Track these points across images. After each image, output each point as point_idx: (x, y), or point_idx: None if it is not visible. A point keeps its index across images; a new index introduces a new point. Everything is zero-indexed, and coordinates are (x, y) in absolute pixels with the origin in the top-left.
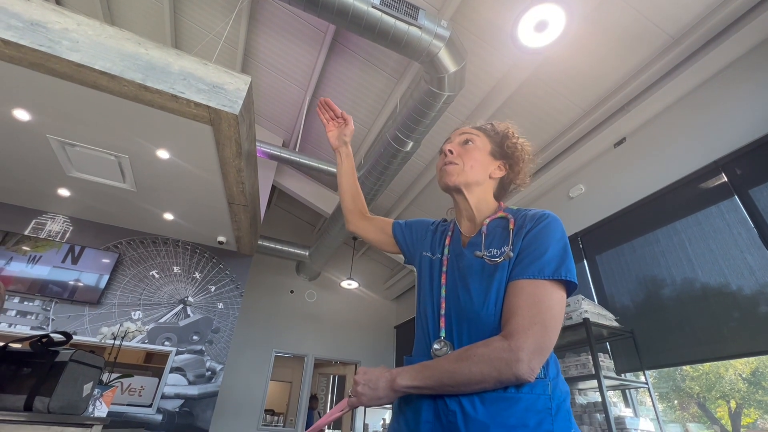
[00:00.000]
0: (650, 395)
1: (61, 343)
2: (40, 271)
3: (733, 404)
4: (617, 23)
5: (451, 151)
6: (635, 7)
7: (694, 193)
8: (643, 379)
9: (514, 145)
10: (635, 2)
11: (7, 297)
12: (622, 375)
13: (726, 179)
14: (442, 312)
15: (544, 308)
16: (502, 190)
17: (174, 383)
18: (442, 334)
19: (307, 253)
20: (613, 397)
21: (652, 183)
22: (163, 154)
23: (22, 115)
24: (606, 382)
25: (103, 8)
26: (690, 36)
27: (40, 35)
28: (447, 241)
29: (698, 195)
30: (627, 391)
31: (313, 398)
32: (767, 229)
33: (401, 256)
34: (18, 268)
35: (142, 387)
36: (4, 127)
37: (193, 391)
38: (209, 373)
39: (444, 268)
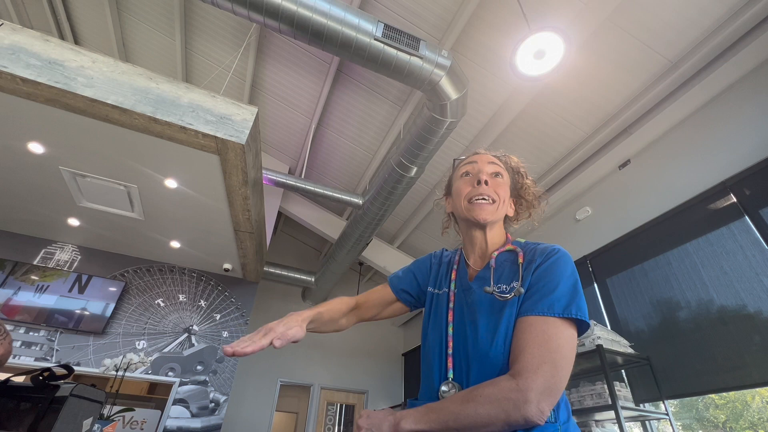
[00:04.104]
0: (672, 426)
1: (62, 377)
2: (46, 301)
3: None
4: (614, 49)
5: (487, 182)
6: (631, 33)
7: (704, 215)
8: (663, 408)
9: (526, 185)
10: (630, 28)
11: (12, 328)
12: (641, 405)
13: (735, 200)
14: (450, 351)
15: (554, 347)
16: (506, 224)
17: (177, 416)
18: (451, 375)
19: (312, 279)
20: (634, 428)
21: (659, 204)
22: (171, 183)
23: (36, 148)
24: (624, 413)
25: (119, 45)
26: (688, 59)
27: (57, 73)
28: (453, 275)
29: (708, 216)
30: (647, 422)
31: None
32: None
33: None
34: (25, 298)
35: (143, 420)
36: (19, 160)
37: (197, 424)
38: (213, 404)
39: (451, 304)
